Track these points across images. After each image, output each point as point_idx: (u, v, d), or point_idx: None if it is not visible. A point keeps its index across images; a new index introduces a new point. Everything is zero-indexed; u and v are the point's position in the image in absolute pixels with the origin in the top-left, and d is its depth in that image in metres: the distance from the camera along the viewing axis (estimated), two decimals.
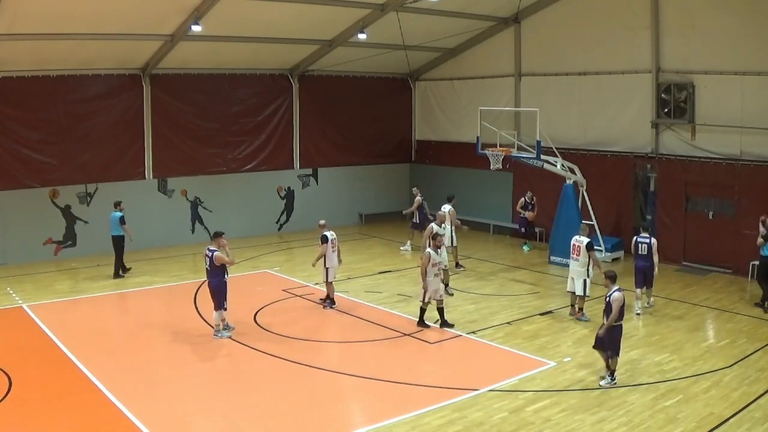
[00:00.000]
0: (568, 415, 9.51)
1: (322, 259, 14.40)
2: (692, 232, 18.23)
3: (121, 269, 17.47)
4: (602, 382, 10.58)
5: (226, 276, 12.83)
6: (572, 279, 13.88)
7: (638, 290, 14.39)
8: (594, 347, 10.79)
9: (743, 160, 17.12)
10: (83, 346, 12.20)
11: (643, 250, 14.38)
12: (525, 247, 20.29)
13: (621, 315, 10.47)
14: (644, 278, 14.38)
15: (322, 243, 14.46)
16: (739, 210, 17.26)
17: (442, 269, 13.70)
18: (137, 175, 20.44)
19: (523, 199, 20.42)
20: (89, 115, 19.45)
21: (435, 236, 13.52)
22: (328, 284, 14.70)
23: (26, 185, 18.65)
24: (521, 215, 20.48)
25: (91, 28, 16.66)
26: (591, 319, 13.66)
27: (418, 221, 20.36)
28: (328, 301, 14.78)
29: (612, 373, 10.60)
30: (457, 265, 17.75)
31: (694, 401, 9.92)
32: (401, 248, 20.41)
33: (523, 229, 20.57)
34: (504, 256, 19.46)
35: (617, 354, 10.62)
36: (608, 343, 10.50)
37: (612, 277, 10.81)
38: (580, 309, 13.89)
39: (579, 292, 13.77)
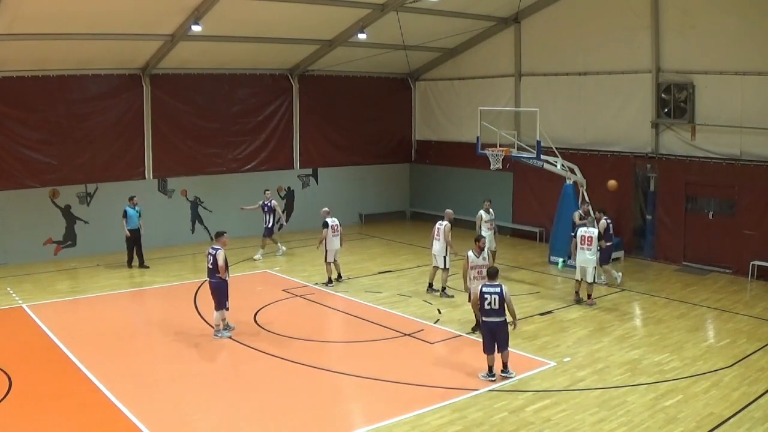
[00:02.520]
0: (568, 415, 9.51)
1: (324, 242, 16.19)
2: (692, 232, 18.23)
3: (135, 261, 18.27)
4: (481, 376, 10.78)
5: (227, 276, 12.83)
6: (583, 268, 14.67)
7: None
8: (498, 350, 10.77)
9: (743, 160, 17.12)
10: (83, 346, 12.20)
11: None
12: (560, 262, 17.78)
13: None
14: None
15: (323, 228, 16.17)
16: (739, 210, 17.26)
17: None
18: (137, 175, 20.45)
19: (577, 213, 17.17)
20: (89, 115, 19.46)
21: (478, 239, 13.00)
22: (327, 264, 16.34)
23: (26, 185, 18.65)
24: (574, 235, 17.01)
25: (91, 28, 16.66)
26: (598, 304, 14.67)
27: (270, 226, 19.32)
28: (328, 283, 16.38)
29: (505, 366, 10.88)
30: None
31: (694, 401, 9.91)
32: (254, 257, 19.16)
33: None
34: (504, 256, 19.41)
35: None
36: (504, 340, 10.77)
37: (491, 274, 10.90)
38: (589, 295, 14.69)
39: (590, 279, 14.60)
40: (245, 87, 22.21)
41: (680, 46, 17.94)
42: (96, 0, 15.51)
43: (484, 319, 10.71)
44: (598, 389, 10.42)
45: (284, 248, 19.84)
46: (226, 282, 12.72)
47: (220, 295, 12.68)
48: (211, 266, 12.74)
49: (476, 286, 12.21)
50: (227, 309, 12.80)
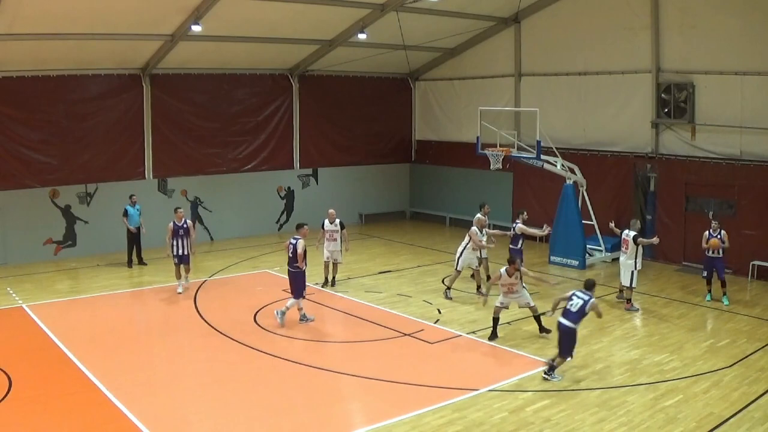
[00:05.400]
0: (568, 415, 9.51)
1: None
2: (692, 232, 18.20)
3: (133, 261, 18.39)
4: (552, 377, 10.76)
5: (305, 265, 13.41)
6: (623, 271, 14.57)
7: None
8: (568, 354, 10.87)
9: (743, 160, 17.12)
10: (83, 346, 12.21)
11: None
12: (718, 299, 14.98)
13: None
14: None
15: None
16: (739, 210, 17.26)
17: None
18: (137, 175, 20.44)
19: (707, 232, 15.00)
20: (89, 115, 19.45)
21: (513, 261, 12.80)
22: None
23: (26, 185, 18.64)
24: (710, 255, 14.91)
25: (91, 28, 16.66)
26: (640, 309, 14.51)
27: (186, 253, 15.78)
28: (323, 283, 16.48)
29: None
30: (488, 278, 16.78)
31: (694, 401, 9.92)
32: (178, 291, 15.81)
33: (706, 273, 15.06)
34: (503, 256, 19.28)
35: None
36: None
37: (588, 285, 11.01)
38: (629, 300, 14.54)
39: (626, 283, 14.46)
40: (245, 87, 22.20)
41: (680, 46, 17.94)
42: (96, 0, 15.51)
43: (558, 319, 10.91)
44: (598, 389, 10.42)
45: (183, 287, 15.95)
46: (303, 271, 13.36)
47: (298, 283, 13.38)
48: (291, 255, 13.40)
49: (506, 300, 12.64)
50: (304, 297, 13.55)
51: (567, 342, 10.75)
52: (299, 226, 13.78)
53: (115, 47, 18.12)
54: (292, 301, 13.49)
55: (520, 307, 12.97)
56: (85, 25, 16.43)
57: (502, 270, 12.67)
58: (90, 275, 17.62)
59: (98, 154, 19.63)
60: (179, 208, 16.40)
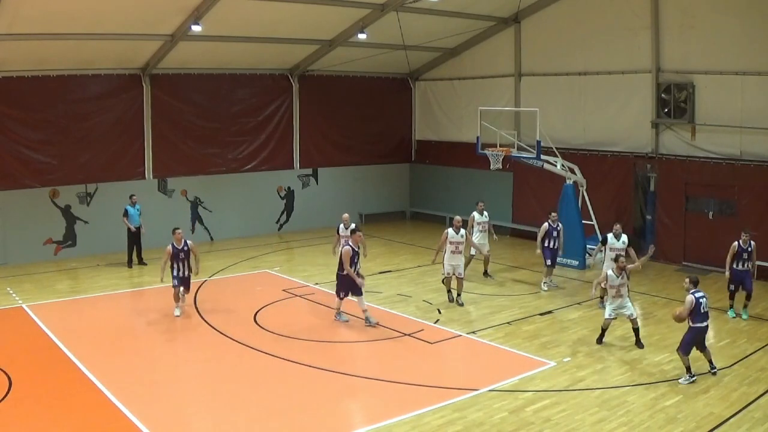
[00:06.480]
0: (568, 415, 9.51)
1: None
2: (692, 232, 18.24)
3: (133, 261, 18.40)
4: (683, 380, 10.71)
5: (347, 270, 13.51)
6: None
7: None
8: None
9: (743, 160, 17.12)
10: (83, 346, 12.21)
11: None
12: (739, 313, 14.04)
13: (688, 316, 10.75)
14: None
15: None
16: (739, 210, 17.26)
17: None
18: (137, 175, 20.45)
19: (736, 243, 13.80)
20: (89, 115, 19.45)
21: (617, 258, 12.51)
22: None
23: (26, 185, 18.64)
24: (738, 268, 13.87)
25: (91, 28, 16.66)
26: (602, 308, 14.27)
27: (187, 275, 14.08)
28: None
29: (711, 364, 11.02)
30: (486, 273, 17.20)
31: (694, 401, 9.92)
32: (176, 314, 14.08)
33: (733, 286, 14.05)
34: (504, 256, 19.42)
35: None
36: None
37: (695, 281, 10.96)
38: (600, 297, 14.50)
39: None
40: (245, 87, 22.20)
41: (680, 46, 17.94)
42: (96, 0, 15.51)
43: (698, 324, 10.73)
44: (598, 389, 10.42)
45: (181, 309, 14.19)
46: (339, 275, 13.67)
47: (337, 284, 13.78)
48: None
49: (614, 301, 12.31)
50: (340, 299, 13.76)
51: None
52: (353, 231, 14.39)
53: (115, 47, 18.13)
54: (337, 300, 13.83)
55: (629, 318, 12.43)
56: (85, 25, 16.43)
57: (609, 272, 12.40)
58: (90, 275, 17.62)
59: (98, 154, 19.63)
60: (177, 228, 14.13)
